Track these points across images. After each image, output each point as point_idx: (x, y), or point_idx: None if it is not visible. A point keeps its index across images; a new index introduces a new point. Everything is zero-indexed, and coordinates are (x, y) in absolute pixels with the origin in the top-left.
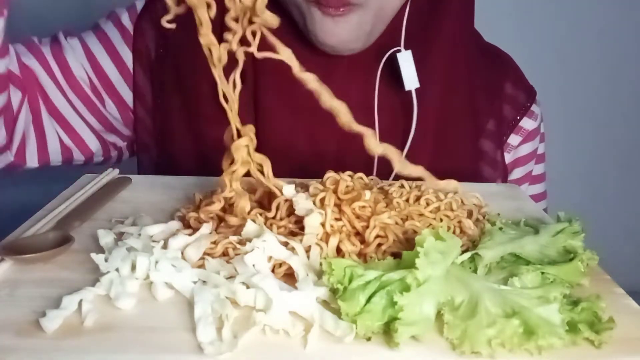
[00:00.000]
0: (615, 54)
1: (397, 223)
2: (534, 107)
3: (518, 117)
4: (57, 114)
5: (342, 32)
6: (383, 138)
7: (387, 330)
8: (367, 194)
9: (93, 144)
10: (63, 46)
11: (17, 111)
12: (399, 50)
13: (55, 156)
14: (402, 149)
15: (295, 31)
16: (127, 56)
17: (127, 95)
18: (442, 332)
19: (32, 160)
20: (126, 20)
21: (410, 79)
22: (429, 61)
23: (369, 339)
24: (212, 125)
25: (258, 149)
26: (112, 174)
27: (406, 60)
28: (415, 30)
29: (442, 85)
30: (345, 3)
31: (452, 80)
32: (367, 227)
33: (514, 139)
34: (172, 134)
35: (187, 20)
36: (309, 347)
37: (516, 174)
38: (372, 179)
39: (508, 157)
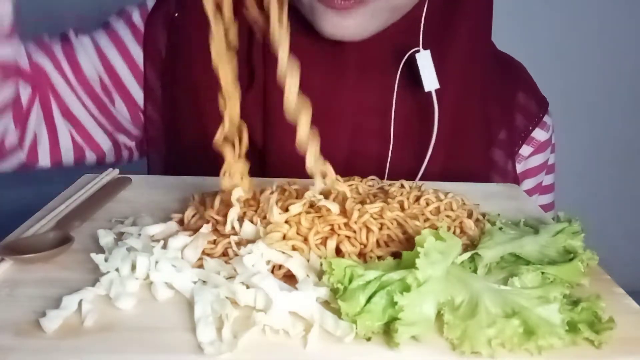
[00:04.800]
0: (615, 52)
1: (398, 223)
2: (546, 118)
3: (530, 128)
4: (69, 113)
5: (349, 26)
6: (398, 142)
7: (387, 330)
8: (355, 215)
9: (105, 144)
10: (74, 45)
11: (28, 108)
12: (418, 51)
13: (68, 156)
14: (416, 153)
15: (303, 26)
16: (138, 55)
17: (137, 94)
18: (442, 332)
19: (44, 160)
20: (137, 18)
21: (430, 80)
22: (445, 63)
23: (369, 339)
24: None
25: (267, 150)
26: (112, 174)
27: (425, 61)
28: (431, 30)
29: (458, 90)
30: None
31: (468, 85)
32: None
33: (525, 150)
34: (181, 132)
35: (199, 18)
36: (309, 347)
37: (527, 185)
38: (372, 179)
39: (518, 168)
